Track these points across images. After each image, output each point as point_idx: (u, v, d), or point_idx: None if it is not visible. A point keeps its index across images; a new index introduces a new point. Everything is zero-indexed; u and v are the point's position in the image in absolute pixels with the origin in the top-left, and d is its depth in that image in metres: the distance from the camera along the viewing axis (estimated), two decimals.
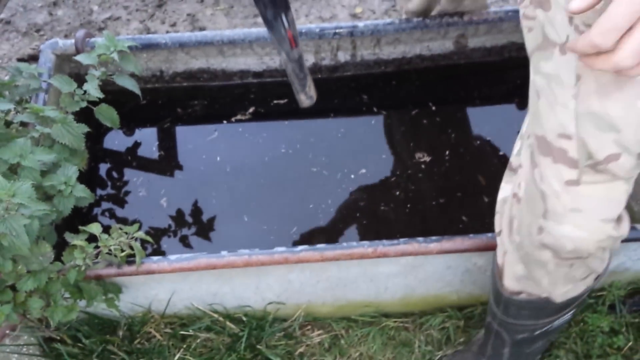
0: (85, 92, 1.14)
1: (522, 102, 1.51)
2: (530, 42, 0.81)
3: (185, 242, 1.38)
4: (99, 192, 1.44)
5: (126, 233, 1.10)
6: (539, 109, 0.79)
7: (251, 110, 1.54)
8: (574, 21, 0.72)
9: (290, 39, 0.88)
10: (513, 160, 0.93)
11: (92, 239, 1.06)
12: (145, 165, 1.50)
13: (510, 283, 0.96)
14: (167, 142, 1.52)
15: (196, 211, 1.42)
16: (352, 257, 1.08)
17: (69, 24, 2.11)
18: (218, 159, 1.49)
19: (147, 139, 1.54)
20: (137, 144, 1.52)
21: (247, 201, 1.41)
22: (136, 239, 1.10)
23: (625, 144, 0.72)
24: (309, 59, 1.47)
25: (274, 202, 1.40)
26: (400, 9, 1.32)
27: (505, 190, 0.94)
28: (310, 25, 1.42)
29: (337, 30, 1.37)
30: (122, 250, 1.05)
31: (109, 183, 1.45)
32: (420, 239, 1.08)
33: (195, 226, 1.40)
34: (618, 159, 0.73)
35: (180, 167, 1.49)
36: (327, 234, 1.36)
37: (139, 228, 1.13)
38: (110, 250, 1.02)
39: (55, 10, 2.13)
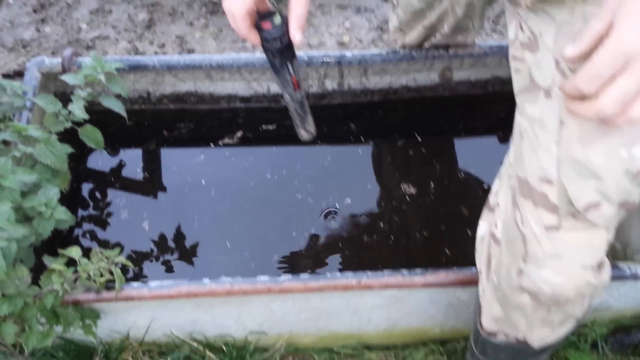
0: (70, 112, 1.13)
1: (504, 136, 1.53)
2: (517, 83, 0.82)
3: (166, 267, 1.36)
4: (81, 212, 1.42)
5: (107, 257, 1.08)
6: (522, 151, 0.79)
7: (238, 134, 1.53)
8: (561, 65, 0.73)
9: (294, 83, 0.97)
10: (491, 198, 0.94)
11: (71, 262, 1.04)
12: (129, 186, 1.48)
13: (487, 323, 0.96)
14: (152, 164, 1.50)
15: (178, 235, 1.40)
16: (336, 288, 1.08)
17: (57, 41, 2.10)
18: (203, 182, 1.48)
19: (132, 160, 1.52)
20: (121, 165, 1.50)
21: (230, 226, 1.40)
22: (117, 264, 1.08)
23: (607, 193, 0.72)
24: None
25: (257, 228, 1.39)
26: (394, 41, 1.33)
27: (482, 228, 0.94)
28: (298, 52, 1.42)
29: (325, 59, 1.38)
30: (102, 275, 1.03)
31: (91, 204, 1.43)
32: (405, 271, 1.08)
33: (176, 251, 1.38)
34: (599, 207, 0.73)
35: (164, 190, 1.47)
36: (309, 263, 1.36)
37: (120, 252, 1.11)
38: (89, 275, 1.00)
39: (43, 26, 2.12)
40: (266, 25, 0.84)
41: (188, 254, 1.38)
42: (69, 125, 1.13)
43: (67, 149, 1.12)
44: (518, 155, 0.80)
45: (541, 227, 0.77)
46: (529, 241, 0.79)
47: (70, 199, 1.41)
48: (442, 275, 1.08)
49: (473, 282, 1.07)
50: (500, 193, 0.88)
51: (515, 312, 0.88)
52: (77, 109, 1.09)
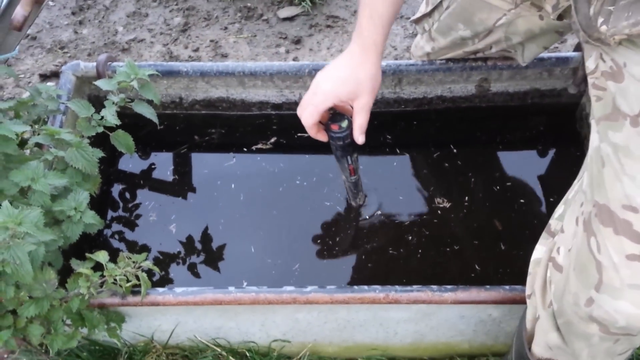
0: (102, 117, 1.13)
1: (543, 150, 1.48)
2: (598, 111, 0.80)
3: (191, 271, 1.35)
4: (110, 214, 1.43)
5: (133, 262, 1.08)
6: (603, 177, 0.77)
7: (270, 140, 1.52)
8: None
9: (351, 170, 1.18)
10: (553, 223, 0.91)
11: (98, 266, 1.04)
12: (158, 189, 1.49)
13: (540, 350, 0.92)
14: (182, 168, 1.50)
15: (204, 239, 1.40)
16: (363, 302, 1.05)
17: (93, 42, 2.13)
18: (233, 186, 1.47)
19: (162, 164, 1.53)
20: (151, 169, 1.51)
21: (256, 231, 1.38)
22: (143, 269, 1.07)
23: None
24: None
25: (284, 234, 1.37)
26: (419, 57, 1.32)
27: (539, 251, 0.91)
28: None
29: None
30: (128, 280, 1.03)
31: (121, 206, 1.43)
32: (435, 287, 1.05)
33: (202, 254, 1.37)
34: None
35: (193, 193, 1.47)
36: (334, 273, 1.33)
37: (147, 256, 1.11)
38: (115, 279, 1.00)
39: (81, 29, 2.16)
40: (334, 127, 1.03)
41: (213, 258, 1.37)
42: (100, 130, 1.14)
43: (99, 153, 1.12)
44: (598, 181, 0.78)
45: (621, 255, 0.73)
46: (605, 269, 0.75)
47: (100, 202, 1.42)
48: (474, 293, 1.04)
49: (506, 300, 1.04)
50: (566, 218, 0.86)
51: (578, 342, 0.84)
52: (109, 115, 1.09)
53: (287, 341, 1.26)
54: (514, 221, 1.33)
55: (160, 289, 1.07)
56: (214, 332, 1.23)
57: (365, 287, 1.06)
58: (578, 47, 1.37)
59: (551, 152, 1.46)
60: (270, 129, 1.53)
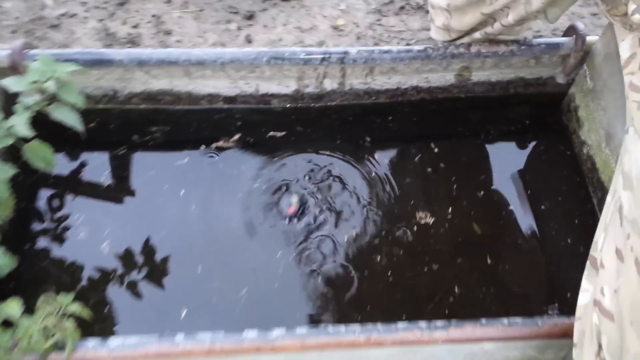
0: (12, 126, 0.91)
1: (527, 145, 1.33)
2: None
3: (125, 300, 1.14)
4: (29, 239, 1.19)
5: (57, 308, 0.88)
6: None
7: (235, 137, 1.31)
8: None
9: None
10: (596, 255, 0.74)
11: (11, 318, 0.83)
12: (90, 198, 1.26)
13: None
14: (120, 172, 1.28)
15: (143, 258, 1.19)
16: (340, 346, 0.89)
17: (18, 18, 1.84)
18: (182, 193, 1.26)
19: (96, 168, 1.30)
20: (82, 174, 1.28)
21: (207, 248, 1.18)
22: (69, 316, 0.87)
23: None
24: (291, 85, 1.26)
25: (238, 253, 1.19)
26: (443, 28, 1.12)
27: (586, 292, 0.75)
28: (295, 48, 1.21)
29: (325, 57, 1.16)
30: (49, 337, 0.82)
31: (43, 226, 1.21)
32: (423, 324, 0.89)
33: (139, 278, 1.17)
34: None
35: (132, 202, 1.26)
36: (295, 297, 1.15)
37: (75, 294, 0.91)
38: (30, 340, 0.80)
39: (3, 1, 1.86)
40: None
41: (152, 281, 1.17)
42: (10, 142, 0.91)
43: (8, 171, 0.90)
44: None
45: None
46: None
47: (17, 225, 1.18)
48: (468, 330, 0.89)
49: (505, 338, 0.90)
50: (604, 250, 0.70)
51: None
52: (20, 124, 0.87)
53: None
54: (499, 230, 1.19)
55: (91, 341, 0.88)
56: None
57: (342, 328, 0.89)
58: (568, 32, 1.22)
59: (537, 148, 1.32)
60: (220, 125, 1.32)
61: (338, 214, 1.20)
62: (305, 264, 1.16)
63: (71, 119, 0.91)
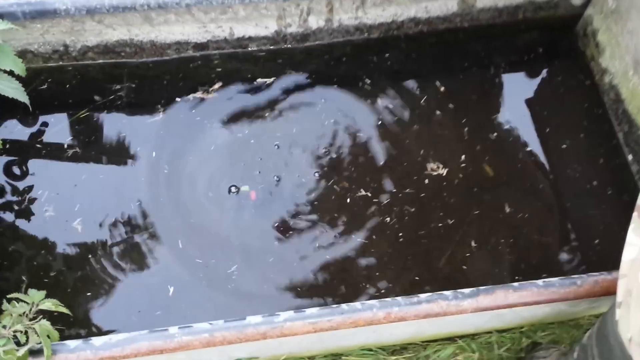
0: None
1: (535, 73, 1.20)
2: None
3: (106, 283, 1.01)
4: None
5: (26, 308, 0.75)
6: None
7: (215, 87, 1.15)
8: None
9: None
10: None
11: None
12: (52, 170, 1.10)
13: None
14: (84, 137, 1.12)
15: (121, 232, 1.06)
16: (357, 325, 0.78)
17: None
18: (154, 155, 1.11)
19: (56, 134, 1.14)
20: (42, 143, 1.12)
21: (185, 219, 1.05)
22: (41, 316, 0.75)
23: None
24: (270, 26, 1.10)
25: (222, 223, 1.05)
26: None
27: (633, 246, 0.65)
28: None
29: None
30: (21, 344, 0.70)
31: (3, 206, 1.06)
32: (449, 293, 0.79)
33: (120, 256, 1.04)
34: None
35: (100, 169, 1.11)
36: (293, 269, 1.04)
37: (47, 293, 0.78)
38: None
39: None
40: None
41: (133, 259, 1.04)
42: None
43: None
44: None
45: None
46: None
47: None
48: (500, 296, 0.79)
49: (541, 301, 0.80)
50: None
51: None
52: None
53: (254, 358, 0.99)
54: (516, 175, 1.08)
55: (73, 343, 0.75)
56: None
57: (358, 304, 0.78)
58: None
59: (551, 80, 1.19)
60: (212, 73, 1.15)
61: (338, 172, 1.07)
62: (302, 227, 1.04)
63: (10, 89, 0.75)
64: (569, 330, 1.10)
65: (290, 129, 1.10)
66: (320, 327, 0.77)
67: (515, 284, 0.80)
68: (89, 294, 0.98)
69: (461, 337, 1.11)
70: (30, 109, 0.88)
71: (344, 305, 0.78)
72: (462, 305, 0.78)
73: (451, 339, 1.11)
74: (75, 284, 0.99)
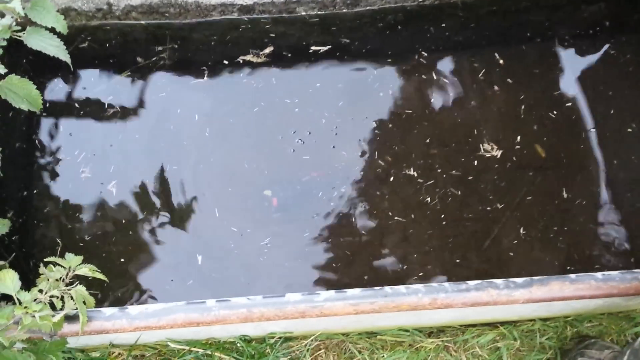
0: None
1: (602, 48, 1.11)
2: None
3: (141, 245, 1.00)
4: (22, 187, 1.04)
5: (63, 273, 0.73)
6: None
7: (266, 51, 1.11)
8: None
9: None
10: None
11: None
12: (90, 131, 1.09)
13: None
14: (124, 98, 1.10)
15: (155, 197, 1.04)
16: (400, 310, 0.74)
17: None
18: (196, 117, 1.09)
19: (97, 94, 1.12)
20: (81, 103, 1.10)
21: (224, 186, 1.03)
22: (76, 282, 0.73)
23: None
24: None
25: (259, 192, 1.02)
26: None
27: None
28: None
29: None
30: (58, 308, 0.69)
31: (40, 167, 1.05)
32: (500, 282, 0.74)
33: (154, 220, 1.02)
34: None
35: (139, 131, 1.09)
36: (327, 236, 1.01)
37: (84, 258, 0.77)
38: (34, 316, 0.66)
39: None
40: None
41: (175, 223, 1.02)
42: None
43: None
44: None
45: None
46: None
47: (13, 165, 1.02)
48: (556, 287, 0.74)
49: (600, 295, 0.75)
50: None
51: None
52: None
53: (288, 332, 0.97)
54: (575, 159, 1.01)
55: (108, 311, 0.74)
56: (192, 335, 0.92)
57: (402, 288, 0.74)
58: None
59: (620, 56, 1.10)
60: (237, 40, 1.11)
61: (384, 147, 1.03)
62: (341, 202, 1.00)
63: (52, 47, 0.72)
64: (618, 322, 1.04)
65: (337, 102, 1.05)
66: (361, 309, 0.73)
67: (572, 275, 0.75)
68: (122, 260, 0.97)
69: (502, 323, 1.06)
70: (72, 68, 0.85)
71: (387, 288, 0.74)
72: (513, 296, 0.73)
73: (492, 325, 1.07)
74: (110, 250, 0.98)
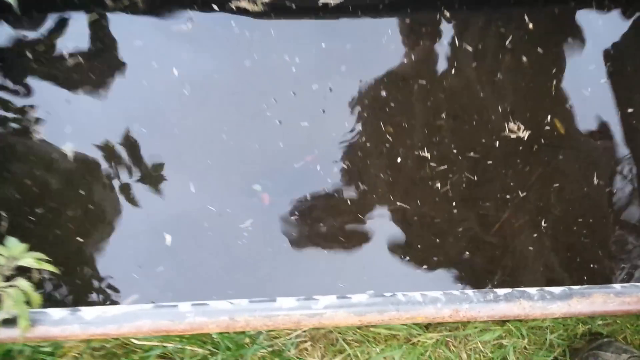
0: None
1: None
2: None
3: (104, 233, 0.85)
4: None
5: (3, 257, 0.59)
6: None
7: (235, 3, 0.94)
8: None
9: None
10: None
11: None
12: (48, 84, 0.92)
13: None
14: (89, 45, 0.92)
15: (124, 164, 0.88)
16: (415, 321, 0.62)
17: None
18: (175, 73, 0.92)
19: (56, 40, 0.94)
20: (36, 50, 0.92)
21: (202, 156, 0.88)
22: (21, 273, 0.59)
23: None
24: None
25: (242, 165, 0.88)
26: None
27: None
28: None
29: None
30: None
31: None
32: (534, 292, 0.62)
33: (124, 192, 0.87)
34: None
35: (104, 87, 0.92)
36: (320, 220, 0.87)
37: (31, 240, 0.62)
38: None
39: None
40: None
41: (138, 202, 0.87)
42: None
43: None
44: None
45: None
46: None
47: None
48: (599, 301, 0.62)
49: None
50: None
51: None
52: None
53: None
54: (610, 142, 0.89)
55: (56, 313, 0.60)
56: None
57: (418, 296, 0.62)
58: None
59: None
60: None
61: (391, 121, 0.88)
62: (339, 182, 0.87)
63: None
64: (635, 320, 0.95)
65: (341, 65, 0.89)
66: (368, 321, 0.61)
67: (617, 286, 0.63)
68: (79, 239, 0.82)
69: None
70: (19, 10, 0.68)
71: (400, 295, 0.62)
72: (549, 309, 0.61)
73: (500, 323, 0.97)
74: (65, 226, 0.83)
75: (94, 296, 0.79)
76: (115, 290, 0.78)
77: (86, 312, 0.60)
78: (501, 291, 0.62)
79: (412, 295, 0.61)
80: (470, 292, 0.61)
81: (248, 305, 0.60)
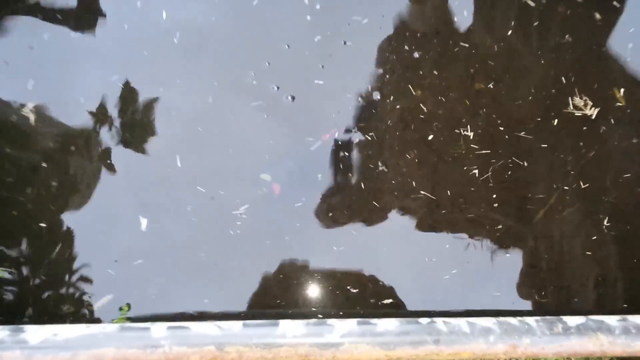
0: None
1: None
2: None
3: (75, 205, 0.71)
4: None
5: None
6: None
7: None
8: None
9: None
10: None
11: None
12: (3, 27, 0.76)
13: None
14: None
15: (99, 128, 0.73)
16: (460, 358, 0.48)
17: None
18: (163, 15, 0.76)
19: None
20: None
21: (198, 117, 0.72)
22: None
23: None
24: None
25: (245, 129, 0.73)
26: None
27: None
28: None
29: None
30: None
31: None
32: (615, 323, 0.48)
33: (96, 163, 0.72)
34: None
35: (76, 31, 0.76)
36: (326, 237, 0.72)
37: None
38: None
39: None
40: None
41: (119, 168, 0.72)
42: None
43: None
44: None
45: None
46: None
47: None
48: None
49: None
50: None
51: None
52: None
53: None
54: None
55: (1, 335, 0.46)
56: None
57: (464, 324, 0.47)
58: None
59: None
60: None
61: (430, 95, 0.71)
62: (355, 156, 0.71)
63: None
64: None
65: (378, 13, 0.72)
66: (397, 356, 0.46)
67: None
68: (42, 224, 0.68)
69: None
70: None
71: (440, 323, 0.47)
72: (633, 347, 0.47)
73: None
74: (25, 207, 0.68)
75: (61, 297, 0.65)
76: (85, 292, 0.64)
77: (32, 332, 0.45)
78: (572, 321, 0.47)
79: (457, 324, 0.46)
80: (532, 321, 0.47)
81: (241, 331, 0.46)
